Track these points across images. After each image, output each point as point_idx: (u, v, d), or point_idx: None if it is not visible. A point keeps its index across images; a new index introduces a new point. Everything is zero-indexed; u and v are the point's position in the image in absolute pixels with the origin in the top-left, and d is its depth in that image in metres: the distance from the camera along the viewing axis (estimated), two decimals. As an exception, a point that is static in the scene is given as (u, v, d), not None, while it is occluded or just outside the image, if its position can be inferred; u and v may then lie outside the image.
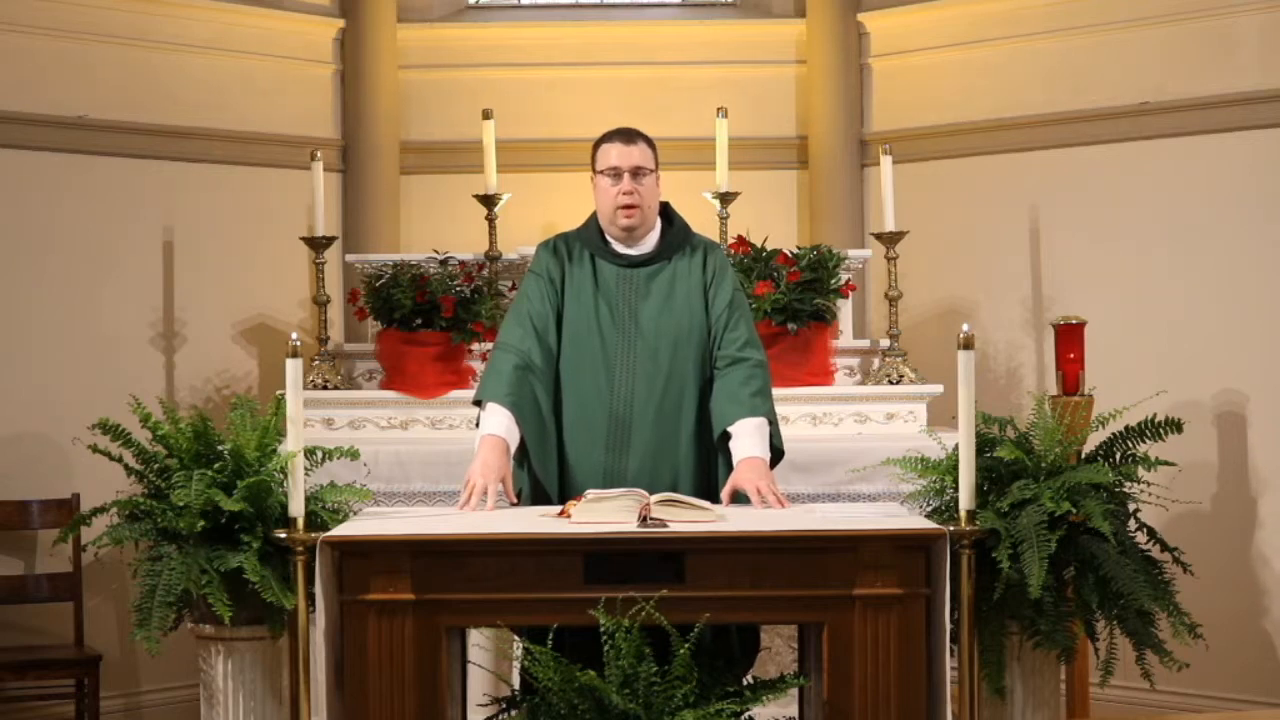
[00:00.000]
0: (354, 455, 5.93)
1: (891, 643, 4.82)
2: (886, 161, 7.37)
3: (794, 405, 7.02)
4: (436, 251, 7.29)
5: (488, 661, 5.96)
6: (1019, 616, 5.57)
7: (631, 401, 5.39)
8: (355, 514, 5.62)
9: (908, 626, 4.84)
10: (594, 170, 5.53)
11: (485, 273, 7.28)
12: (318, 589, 4.91)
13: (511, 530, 4.94)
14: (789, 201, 8.44)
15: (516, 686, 5.30)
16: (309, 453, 5.75)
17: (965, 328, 5.09)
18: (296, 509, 5.12)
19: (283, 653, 5.89)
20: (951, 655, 4.94)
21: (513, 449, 5.35)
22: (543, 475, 5.42)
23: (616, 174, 5.47)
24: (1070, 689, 6.65)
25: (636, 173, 5.48)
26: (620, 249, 5.51)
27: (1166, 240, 7.48)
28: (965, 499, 5.09)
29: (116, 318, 7.47)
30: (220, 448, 5.80)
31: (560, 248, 5.56)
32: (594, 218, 5.57)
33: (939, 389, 7.10)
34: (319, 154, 7.44)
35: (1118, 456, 5.78)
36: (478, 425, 5.44)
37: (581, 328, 5.45)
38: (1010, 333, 7.89)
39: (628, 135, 5.55)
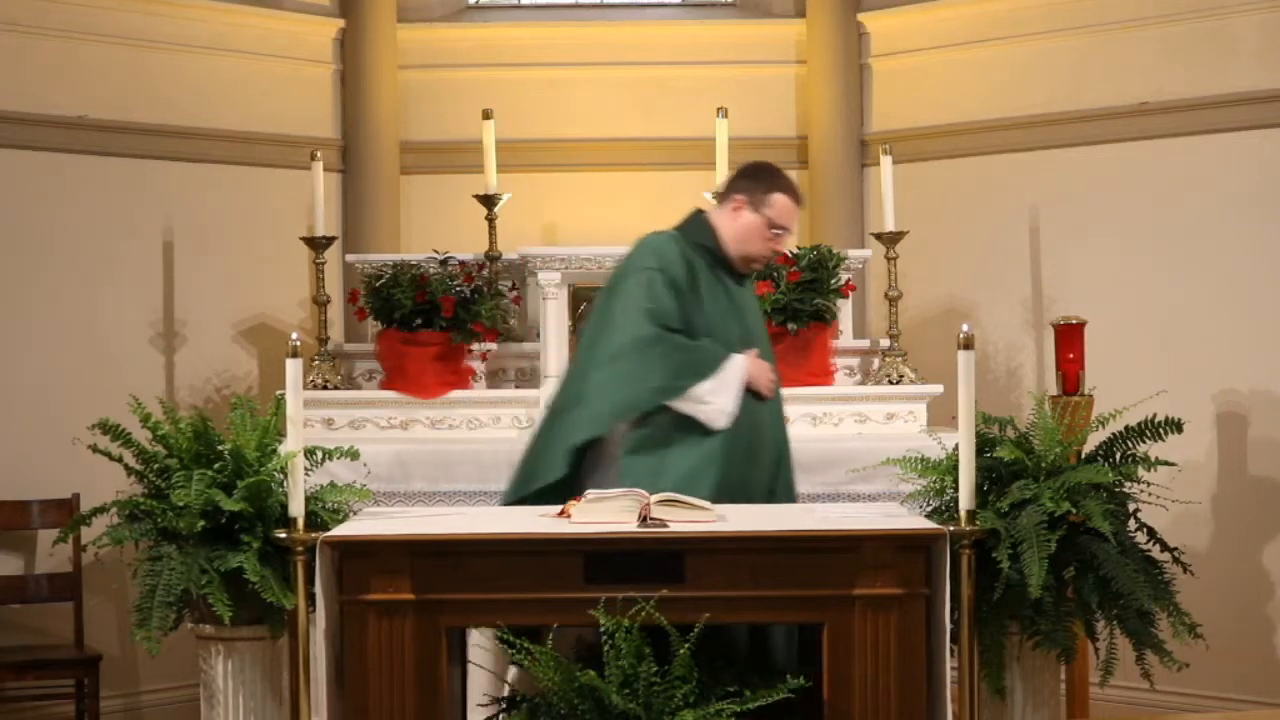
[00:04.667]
0: (354, 455, 5.93)
1: (891, 643, 4.83)
2: (886, 161, 7.37)
3: (794, 405, 6.99)
4: (436, 251, 7.30)
5: (488, 661, 5.96)
6: (1019, 616, 5.57)
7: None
8: (355, 514, 5.62)
9: (908, 626, 4.84)
10: (750, 203, 5.67)
11: (485, 273, 7.27)
12: (318, 589, 4.91)
13: (511, 530, 4.94)
14: (789, 202, 8.43)
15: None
16: (309, 453, 5.75)
17: (965, 328, 5.09)
18: (296, 509, 5.12)
19: (283, 653, 5.89)
20: (951, 655, 4.94)
21: None
22: None
23: (779, 229, 5.68)
24: (1070, 689, 6.65)
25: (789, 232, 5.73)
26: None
27: (1166, 240, 7.48)
28: (965, 499, 5.09)
29: (116, 318, 7.47)
30: (220, 448, 5.80)
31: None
32: (712, 229, 5.71)
33: (939, 389, 7.10)
34: (319, 154, 7.44)
35: (1118, 456, 5.78)
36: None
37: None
38: (1010, 333, 7.88)
39: (800, 196, 5.78)
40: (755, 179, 5.76)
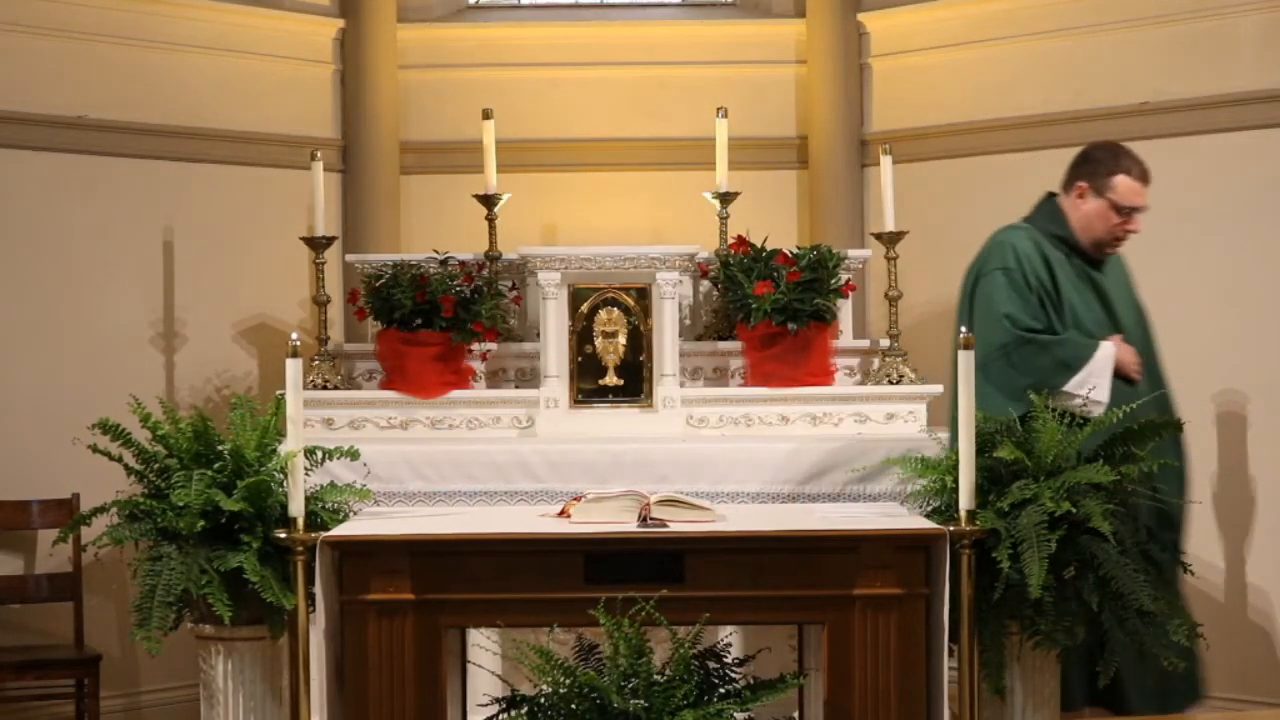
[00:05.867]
0: (354, 455, 5.94)
1: (891, 643, 4.83)
2: (886, 161, 7.37)
3: (794, 405, 7.03)
4: (436, 251, 7.29)
5: (488, 661, 5.97)
6: (1019, 616, 5.57)
7: None
8: (355, 514, 5.63)
9: (908, 626, 4.84)
10: (1093, 189, 5.78)
11: (485, 273, 7.27)
12: (318, 589, 4.91)
13: (511, 530, 4.94)
14: (789, 201, 8.44)
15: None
16: (309, 453, 5.75)
17: (964, 329, 5.09)
18: (296, 509, 5.13)
19: (283, 653, 5.89)
20: (951, 655, 4.95)
21: None
22: None
23: (1128, 211, 5.74)
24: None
25: (1141, 210, 5.80)
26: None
27: (1166, 240, 7.46)
28: (965, 499, 5.09)
29: (116, 318, 7.47)
30: (220, 448, 5.81)
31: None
32: (1064, 216, 5.80)
33: (939, 389, 7.09)
34: (319, 154, 7.44)
35: (1118, 456, 5.78)
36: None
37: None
38: (1010, 333, 7.87)
39: (1146, 172, 5.82)
40: (1095, 163, 5.88)
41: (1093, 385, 5.70)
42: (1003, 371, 5.73)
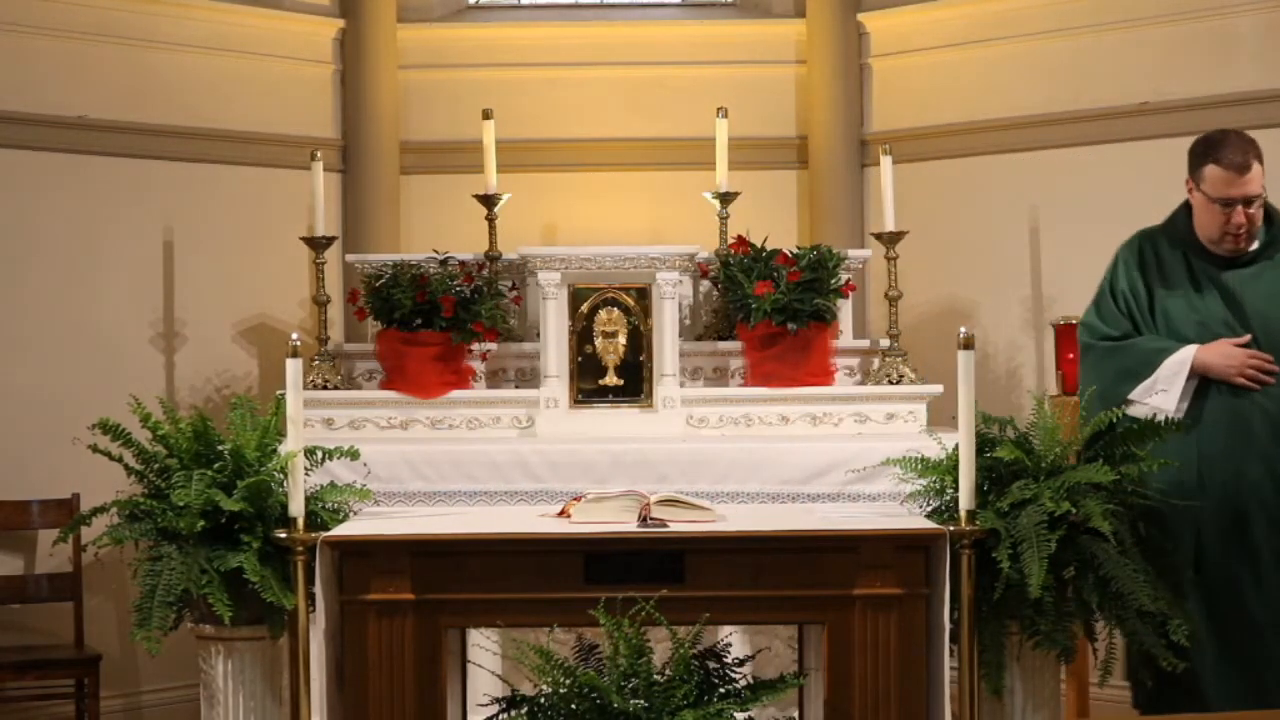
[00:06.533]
0: (354, 455, 5.94)
1: (891, 643, 4.83)
2: (886, 161, 7.37)
3: (794, 405, 7.03)
4: (436, 251, 7.30)
5: (488, 661, 5.97)
6: (1019, 616, 5.57)
7: None
8: (355, 514, 5.63)
9: (908, 626, 4.84)
10: (1194, 184, 5.57)
11: (485, 273, 7.28)
12: (318, 589, 4.91)
13: (511, 530, 4.94)
14: (789, 201, 8.44)
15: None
16: (309, 453, 5.75)
17: (963, 330, 5.09)
18: (296, 509, 5.13)
19: (283, 653, 5.90)
20: (951, 655, 4.95)
21: None
22: None
23: (1228, 203, 5.47)
24: (1070, 689, 6.63)
25: (1249, 202, 5.46)
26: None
27: (1166, 240, 7.47)
28: (965, 499, 5.10)
29: (116, 318, 7.47)
30: (220, 448, 5.81)
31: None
32: (1189, 217, 5.63)
33: (939, 389, 7.10)
34: (319, 154, 7.44)
35: (1118, 456, 5.78)
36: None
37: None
38: (1010, 333, 7.88)
39: (1243, 161, 5.46)
40: (1192, 156, 5.64)
41: (1157, 393, 5.54)
42: (1081, 376, 5.70)
